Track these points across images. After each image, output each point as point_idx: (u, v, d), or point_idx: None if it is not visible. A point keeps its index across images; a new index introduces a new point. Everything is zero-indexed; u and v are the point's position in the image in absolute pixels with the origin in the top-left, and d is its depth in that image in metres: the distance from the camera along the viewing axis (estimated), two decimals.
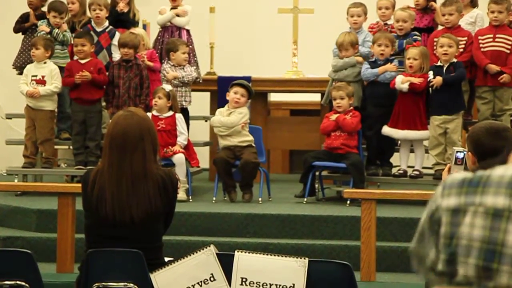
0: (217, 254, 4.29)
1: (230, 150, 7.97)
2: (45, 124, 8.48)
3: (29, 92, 8.38)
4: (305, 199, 7.93)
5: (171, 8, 9.12)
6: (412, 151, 8.27)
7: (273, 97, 10.29)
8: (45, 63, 8.46)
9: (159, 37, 9.20)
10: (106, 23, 8.88)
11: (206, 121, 9.49)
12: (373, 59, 8.33)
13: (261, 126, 8.74)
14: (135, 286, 4.21)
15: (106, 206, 4.25)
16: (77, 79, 8.31)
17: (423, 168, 8.26)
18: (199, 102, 9.42)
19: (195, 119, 9.19)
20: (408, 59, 8.06)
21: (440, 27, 8.73)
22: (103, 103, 8.59)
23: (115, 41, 8.71)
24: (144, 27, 9.80)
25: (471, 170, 4.00)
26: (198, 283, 4.26)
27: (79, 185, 4.84)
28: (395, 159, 8.44)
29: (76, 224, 6.31)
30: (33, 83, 8.43)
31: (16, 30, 9.17)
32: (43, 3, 9.19)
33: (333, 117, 8.09)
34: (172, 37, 8.99)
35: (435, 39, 8.30)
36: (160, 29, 9.22)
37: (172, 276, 4.24)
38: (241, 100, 8.04)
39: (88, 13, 9.09)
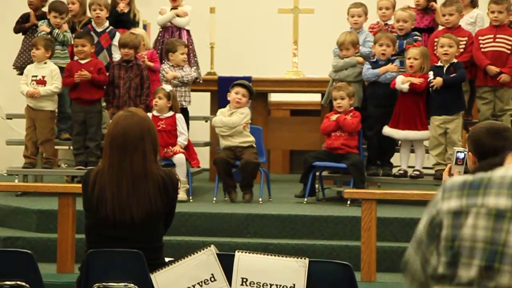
0: (217, 254, 4.29)
1: (231, 150, 7.96)
2: (45, 124, 8.48)
3: (30, 93, 8.38)
4: (306, 199, 7.92)
5: (171, 9, 9.12)
6: (412, 151, 8.27)
7: (274, 97, 10.29)
8: (45, 63, 8.46)
9: (159, 38, 9.19)
10: (107, 24, 8.87)
11: (206, 121, 9.49)
12: (375, 59, 8.33)
13: (261, 126, 8.73)
14: (136, 287, 4.20)
15: (106, 206, 4.24)
16: (77, 78, 8.31)
17: (424, 168, 8.26)
18: (200, 102, 9.42)
19: (195, 119, 9.18)
20: (409, 59, 8.05)
21: (440, 27, 8.73)
22: (104, 103, 8.59)
23: (115, 41, 8.71)
24: (145, 27, 9.79)
25: (471, 170, 4.00)
26: (198, 283, 4.25)
27: (80, 185, 4.85)
28: (395, 159, 8.44)
29: (77, 225, 6.31)
30: (33, 84, 8.43)
31: (16, 31, 9.17)
32: (43, 3, 9.19)
33: (334, 117, 8.09)
34: (172, 37, 8.99)
35: (436, 39, 8.30)
36: (161, 30, 9.22)
37: (173, 276, 4.24)
38: (242, 100, 8.03)
39: (88, 13, 9.09)
